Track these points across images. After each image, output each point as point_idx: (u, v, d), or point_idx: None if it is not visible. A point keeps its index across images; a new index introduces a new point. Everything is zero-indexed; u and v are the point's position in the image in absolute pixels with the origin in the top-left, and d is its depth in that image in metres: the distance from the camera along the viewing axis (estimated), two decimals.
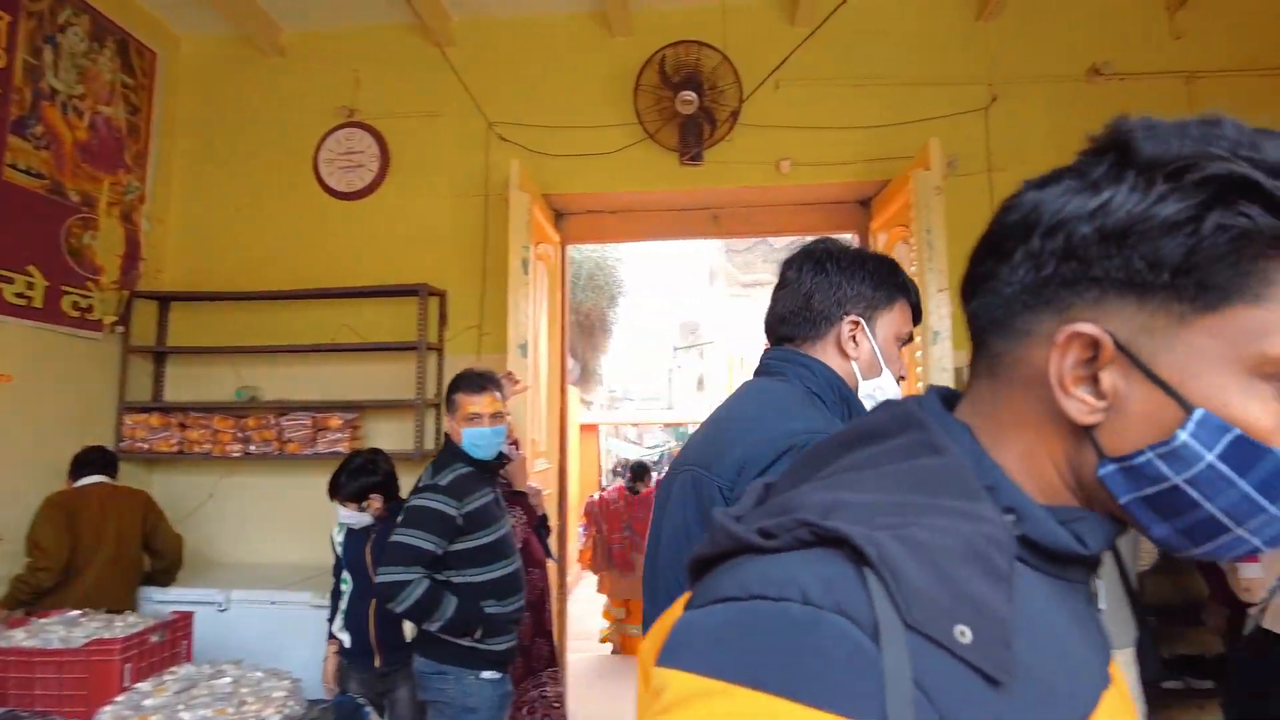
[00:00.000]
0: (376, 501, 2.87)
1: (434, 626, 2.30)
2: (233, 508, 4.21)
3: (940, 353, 3.43)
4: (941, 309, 3.45)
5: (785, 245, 27.53)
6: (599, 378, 19.43)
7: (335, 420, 3.93)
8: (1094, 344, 0.54)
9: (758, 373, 1.32)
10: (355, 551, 2.86)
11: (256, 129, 4.43)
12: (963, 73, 4.21)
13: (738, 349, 22.94)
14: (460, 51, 4.30)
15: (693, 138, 4.06)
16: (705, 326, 28.98)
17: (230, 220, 4.41)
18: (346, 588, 2.84)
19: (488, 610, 2.37)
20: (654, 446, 21.37)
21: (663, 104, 4.03)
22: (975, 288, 0.63)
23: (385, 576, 2.27)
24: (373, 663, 2.76)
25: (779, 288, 1.36)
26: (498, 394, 2.59)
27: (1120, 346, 0.53)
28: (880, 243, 4.27)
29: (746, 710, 0.43)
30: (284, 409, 4.05)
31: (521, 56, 4.30)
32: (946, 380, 3.42)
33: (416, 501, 2.39)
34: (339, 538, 2.94)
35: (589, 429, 12.27)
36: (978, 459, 0.57)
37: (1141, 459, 0.53)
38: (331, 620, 2.91)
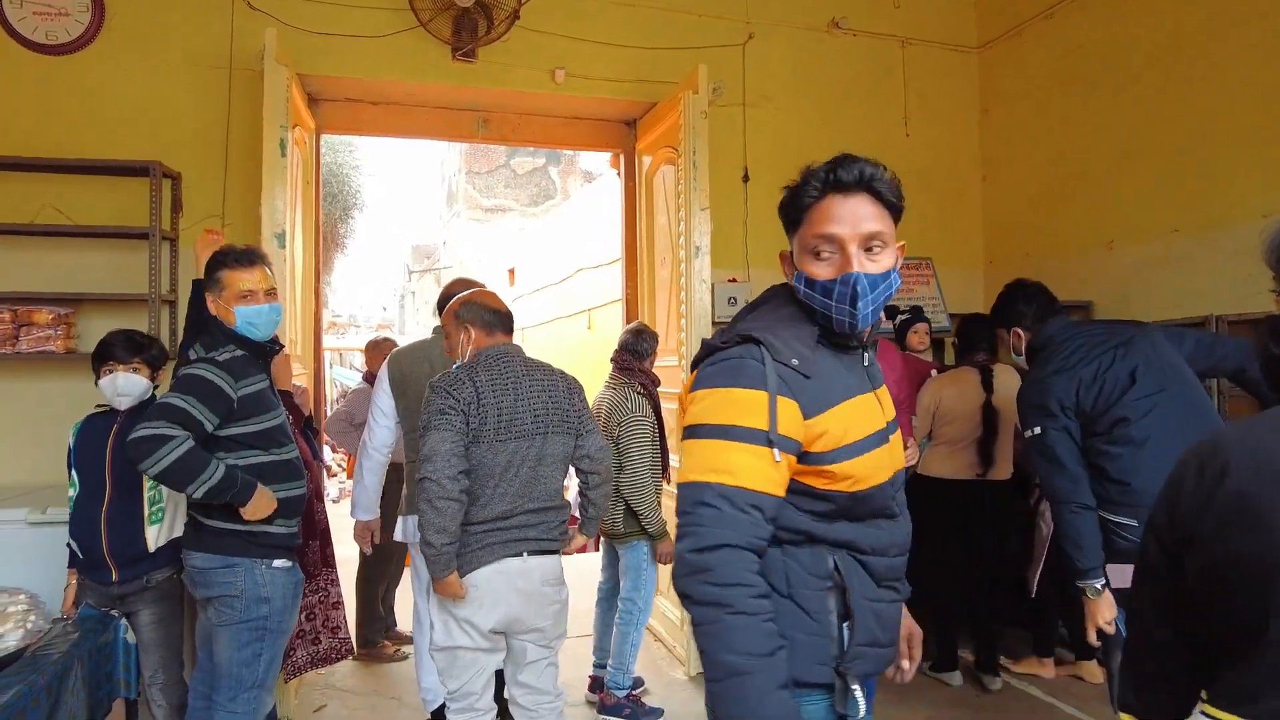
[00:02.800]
0: (145, 371, 2.55)
1: (199, 492, 2.07)
2: None
3: (700, 265, 3.73)
4: (703, 226, 3.74)
5: (528, 172, 27.22)
6: (325, 299, 18.16)
7: (43, 314, 3.37)
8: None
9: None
10: (91, 445, 2.51)
11: None
12: (725, 7, 4.49)
13: (477, 275, 22.59)
14: None
15: (467, 33, 3.93)
16: (443, 250, 28.02)
17: None
18: (73, 491, 2.50)
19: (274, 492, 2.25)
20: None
21: None
22: None
23: (142, 431, 2.01)
24: (109, 577, 2.46)
25: None
26: (268, 269, 2.40)
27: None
28: (645, 164, 4.49)
29: (723, 394, 1.27)
30: None
31: None
32: (705, 291, 3.74)
33: (188, 370, 2.16)
34: (71, 432, 2.57)
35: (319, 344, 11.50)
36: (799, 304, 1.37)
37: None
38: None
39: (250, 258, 2.34)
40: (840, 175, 1.28)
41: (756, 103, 4.55)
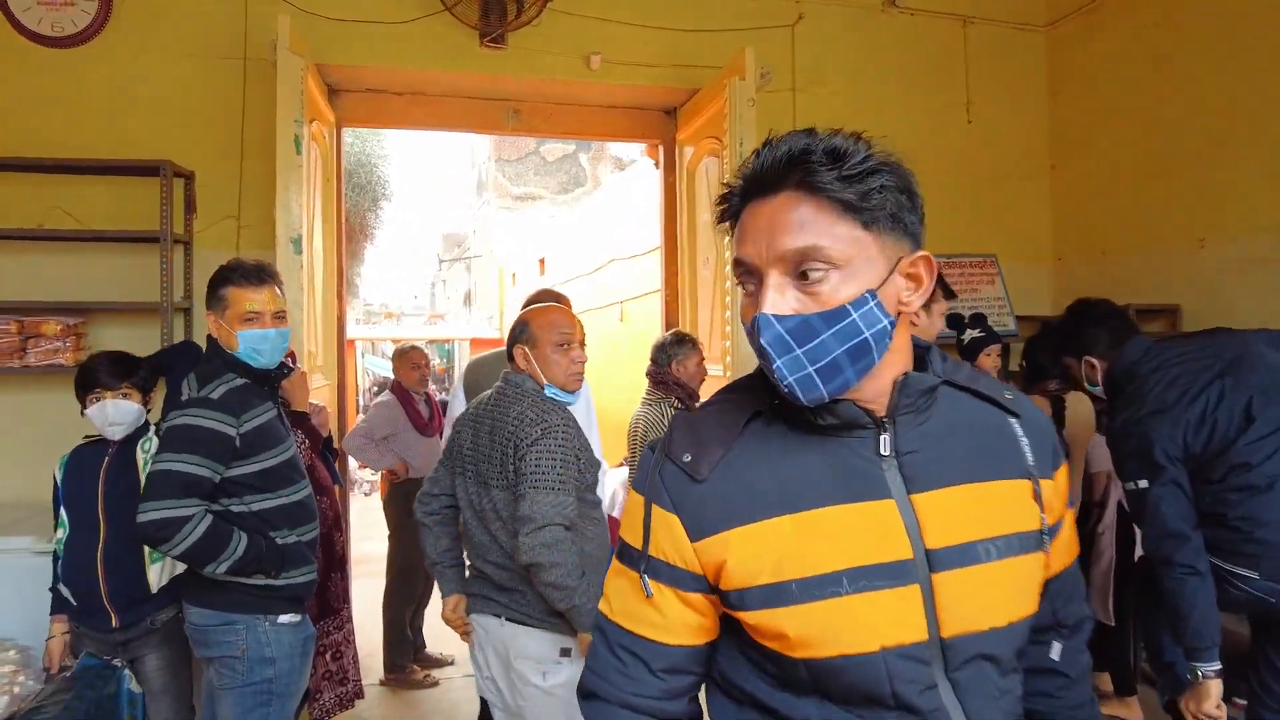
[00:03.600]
0: (137, 395, 2.32)
1: (222, 569, 1.89)
2: None
3: None
4: None
5: (558, 159, 27.05)
6: (356, 289, 18.08)
7: (51, 325, 3.16)
8: None
9: None
10: (82, 480, 2.28)
11: None
12: None
13: (508, 264, 22.38)
14: None
15: (496, 16, 3.65)
16: (473, 239, 27.89)
17: None
18: (63, 532, 2.26)
19: (279, 541, 2.01)
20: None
21: None
22: None
23: (153, 514, 1.81)
24: (108, 623, 2.22)
25: None
26: (278, 289, 2.15)
27: None
28: (687, 155, 4.18)
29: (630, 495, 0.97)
30: None
31: None
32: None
33: (180, 420, 1.91)
34: (58, 466, 2.34)
35: (346, 344, 11.39)
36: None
37: None
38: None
39: (260, 275, 2.09)
40: (753, 166, 0.86)
41: (806, 87, 4.21)
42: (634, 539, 0.93)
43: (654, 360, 3.25)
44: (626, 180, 13.69)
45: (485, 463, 2.01)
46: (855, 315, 0.82)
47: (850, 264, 0.83)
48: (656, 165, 4.92)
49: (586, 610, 1.86)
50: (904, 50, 4.39)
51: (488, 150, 25.33)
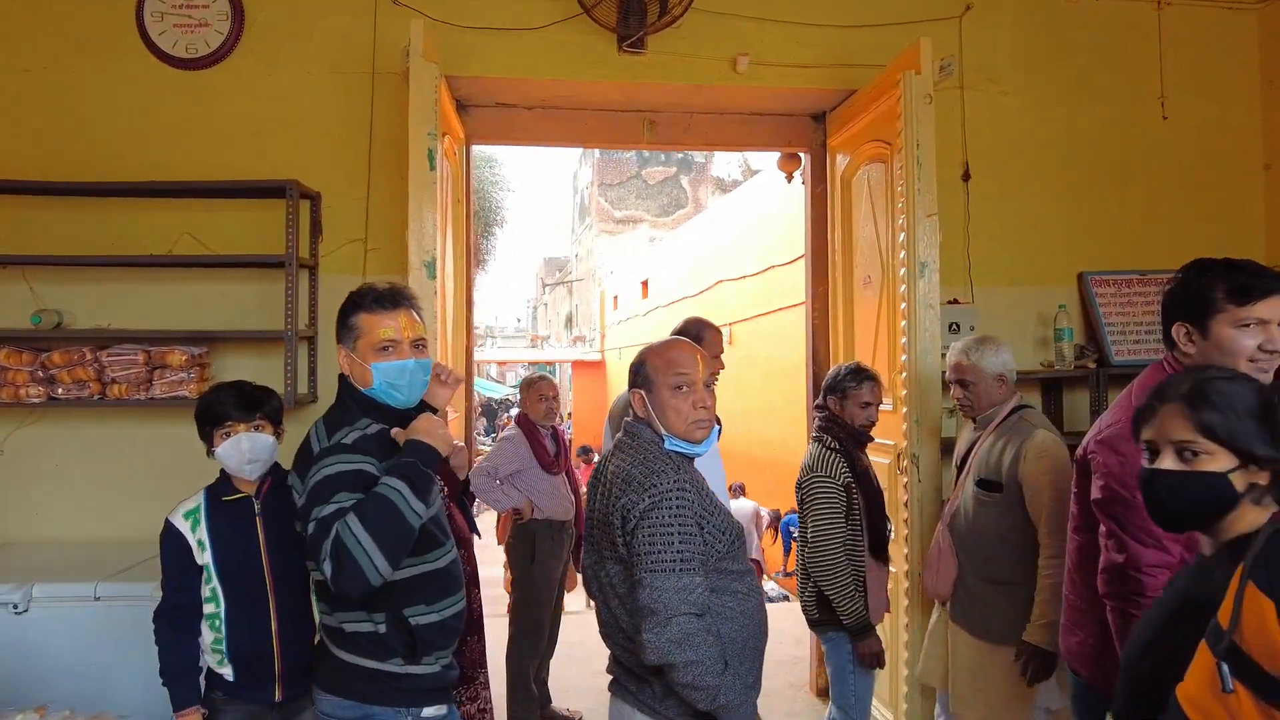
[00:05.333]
0: (270, 428, 2.06)
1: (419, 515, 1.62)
2: (28, 469, 3.22)
3: (928, 286, 2.98)
4: (930, 236, 2.99)
5: (659, 182, 27.02)
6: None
7: (177, 355, 3.02)
8: None
9: None
10: (235, 545, 1.98)
11: None
12: None
13: (609, 287, 22.33)
14: None
15: (636, 18, 3.34)
16: (575, 263, 28.07)
17: (17, 88, 3.28)
18: (218, 606, 1.95)
19: (414, 621, 1.69)
20: (515, 386, 20.51)
21: None
22: None
23: (329, 562, 1.54)
24: (271, 696, 1.95)
25: None
26: (416, 314, 1.85)
27: None
28: (840, 164, 3.77)
29: None
30: (104, 340, 3.10)
31: None
32: (933, 318, 2.98)
33: (320, 475, 1.62)
34: (187, 526, 2.01)
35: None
36: None
37: None
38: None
39: (395, 299, 1.79)
40: None
41: (977, 84, 3.73)
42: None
43: (828, 391, 2.83)
44: (734, 201, 13.35)
45: (600, 529, 1.71)
46: None
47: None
48: (790, 179, 4.53)
49: (735, 706, 1.57)
50: (1087, 40, 3.84)
51: (591, 175, 25.51)
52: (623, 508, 1.61)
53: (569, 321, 28.35)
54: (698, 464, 1.78)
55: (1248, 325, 1.62)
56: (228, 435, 1.99)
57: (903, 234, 3.04)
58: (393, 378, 1.75)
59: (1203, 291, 1.67)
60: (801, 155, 4.12)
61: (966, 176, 3.68)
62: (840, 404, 2.79)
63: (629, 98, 3.71)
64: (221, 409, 2.00)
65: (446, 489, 2.34)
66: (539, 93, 3.65)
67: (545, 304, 32.83)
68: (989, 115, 3.74)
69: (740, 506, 5.96)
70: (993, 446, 2.53)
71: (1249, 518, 1.21)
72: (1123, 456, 1.67)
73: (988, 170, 3.68)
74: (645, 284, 18.49)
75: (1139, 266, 3.79)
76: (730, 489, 7.00)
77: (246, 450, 1.98)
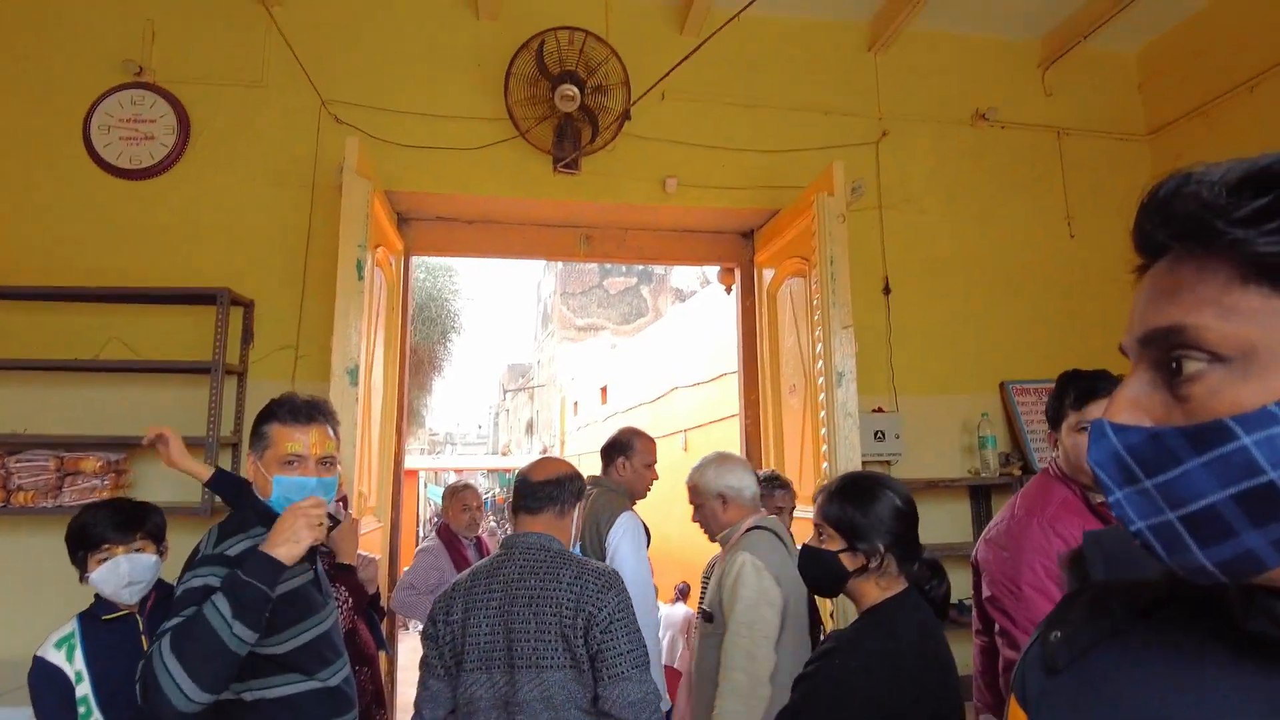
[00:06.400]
0: (152, 546, 1.96)
1: (242, 643, 1.50)
2: None
3: (845, 395, 3.06)
4: (846, 348, 3.10)
5: (620, 292, 27.61)
6: (422, 419, 18.15)
7: (90, 462, 2.96)
8: None
9: None
10: (115, 672, 1.83)
11: (5, 75, 3.40)
12: (855, 104, 3.98)
13: (570, 393, 22.38)
14: (290, 12, 3.53)
15: (570, 142, 3.52)
16: (537, 369, 28.18)
17: None
18: None
19: None
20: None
21: (538, 98, 3.48)
22: None
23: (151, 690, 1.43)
24: None
25: None
26: (331, 431, 1.84)
27: None
28: (766, 278, 3.92)
29: None
30: (16, 445, 3.03)
31: (367, 24, 3.60)
32: (852, 426, 3.05)
33: (190, 583, 1.57)
34: (61, 657, 1.86)
35: (409, 474, 11.23)
36: None
37: None
38: None
39: (310, 413, 1.77)
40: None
41: (895, 205, 3.96)
42: None
43: None
44: (689, 309, 13.65)
45: (523, 640, 1.69)
46: (1247, 439, 0.47)
47: (1250, 355, 0.48)
48: (728, 291, 4.68)
49: None
50: (996, 164, 4.13)
51: (553, 285, 26.00)
52: (580, 605, 1.69)
53: (529, 427, 28.17)
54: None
55: (1085, 429, 1.71)
56: (105, 560, 1.89)
57: (820, 344, 3.15)
58: (291, 493, 1.72)
59: (1058, 399, 1.77)
60: (735, 270, 4.29)
61: (887, 290, 3.84)
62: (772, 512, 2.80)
63: (565, 214, 3.85)
64: (96, 531, 1.90)
65: (352, 600, 2.28)
66: (478, 208, 3.78)
67: (507, 410, 32.68)
68: (907, 232, 3.95)
69: (671, 613, 5.82)
70: (719, 573, 2.33)
71: (872, 593, 1.50)
72: (1006, 553, 1.72)
73: (908, 284, 3.86)
74: (605, 390, 18.58)
75: (1055, 375, 3.93)
76: (676, 589, 6.89)
77: (125, 574, 1.88)
